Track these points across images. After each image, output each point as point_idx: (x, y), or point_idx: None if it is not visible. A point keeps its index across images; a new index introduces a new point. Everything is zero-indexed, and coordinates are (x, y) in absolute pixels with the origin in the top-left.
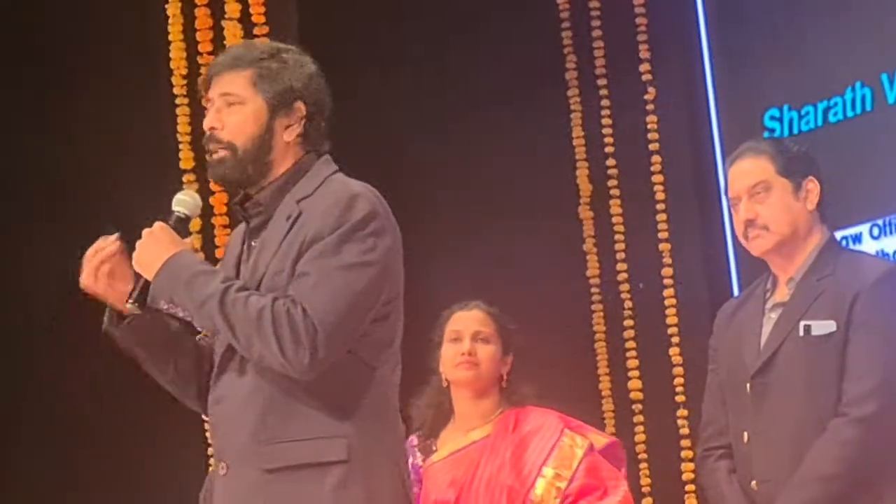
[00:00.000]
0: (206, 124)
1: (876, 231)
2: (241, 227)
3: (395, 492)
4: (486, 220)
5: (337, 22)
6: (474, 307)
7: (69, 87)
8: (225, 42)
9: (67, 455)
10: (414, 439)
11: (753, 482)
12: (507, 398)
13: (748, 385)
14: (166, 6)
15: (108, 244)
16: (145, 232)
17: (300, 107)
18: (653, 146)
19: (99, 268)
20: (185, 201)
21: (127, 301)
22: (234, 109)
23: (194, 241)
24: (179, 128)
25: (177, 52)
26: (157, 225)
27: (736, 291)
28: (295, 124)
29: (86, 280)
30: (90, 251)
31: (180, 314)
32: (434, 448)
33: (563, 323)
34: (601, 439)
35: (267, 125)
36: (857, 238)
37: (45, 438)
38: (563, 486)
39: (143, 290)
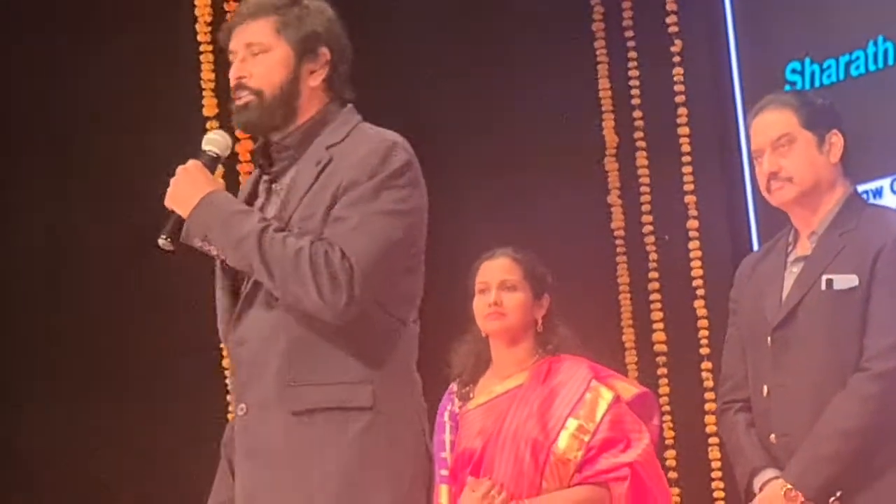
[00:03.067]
0: (233, 75)
1: None
2: (253, 177)
3: (416, 442)
4: (513, 172)
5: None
6: (500, 255)
7: (96, 36)
8: None
9: (89, 406)
10: (453, 386)
11: (772, 435)
12: (543, 344)
13: (769, 338)
14: None
15: None
16: (180, 169)
17: (325, 52)
18: (679, 98)
19: None
20: (215, 140)
21: (159, 237)
22: (259, 58)
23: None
24: (203, 76)
25: (201, 0)
26: (192, 162)
27: (756, 246)
28: (320, 69)
29: None
30: None
31: (213, 252)
32: (471, 396)
33: (587, 275)
34: (631, 389)
35: (294, 71)
36: (878, 192)
37: (65, 385)
38: (586, 438)
39: (176, 227)
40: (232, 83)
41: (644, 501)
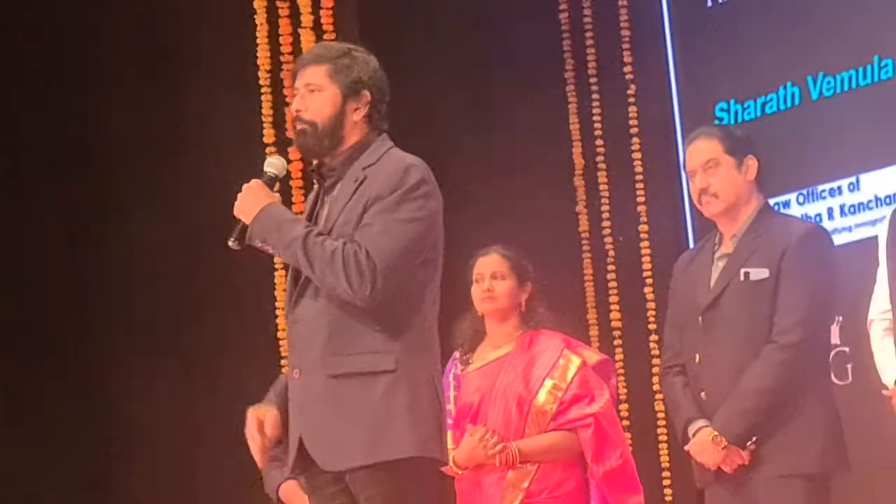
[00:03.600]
0: (294, 108)
1: (801, 199)
2: (315, 190)
3: (431, 398)
4: (503, 187)
5: (389, 26)
6: (492, 252)
7: (181, 82)
8: (301, 45)
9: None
10: (457, 354)
11: (703, 393)
12: (526, 321)
13: (700, 318)
14: (254, 17)
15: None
16: (245, 186)
17: (366, 94)
18: (633, 130)
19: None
20: (274, 164)
21: (228, 240)
22: (315, 96)
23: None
24: (263, 111)
25: (262, 53)
26: (254, 181)
27: (691, 245)
28: (362, 108)
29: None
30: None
31: (270, 251)
32: (470, 361)
33: (560, 267)
34: (594, 356)
35: (341, 108)
36: (787, 204)
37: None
38: (560, 394)
39: (241, 232)
40: (291, 114)
41: (604, 444)
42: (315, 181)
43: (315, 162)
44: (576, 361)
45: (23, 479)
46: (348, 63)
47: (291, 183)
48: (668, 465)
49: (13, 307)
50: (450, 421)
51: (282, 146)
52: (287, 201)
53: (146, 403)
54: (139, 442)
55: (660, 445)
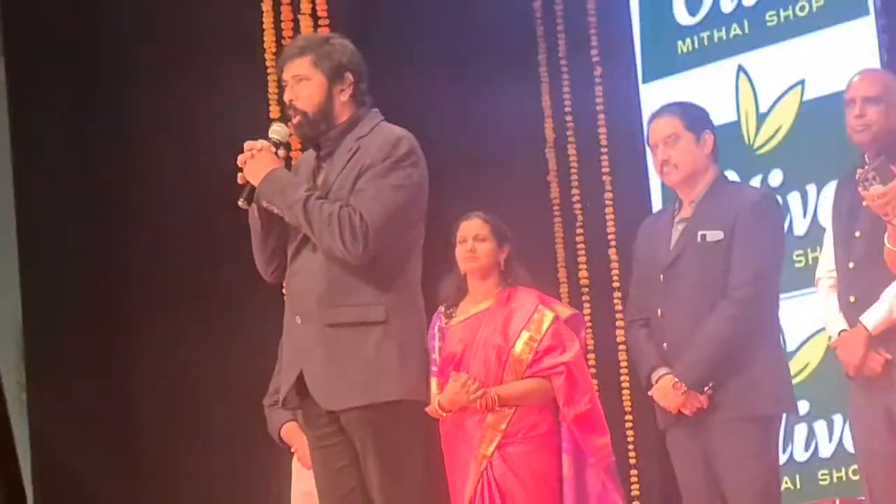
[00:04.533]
0: (286, 97)
1: None
2: (310, 153)
3: (417, 347)
4: (482, 156)
5: (377, 13)
6: (475, 217)
7: (194, 65)
8: (301, 30)
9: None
10: (441, 308)
11: (664, 344)
12: (505, 279)
13: (661, 276)
14: (262, 4)
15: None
16: (248, 144)
17: (349, 76)
18: (599, 108)
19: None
20: (277, 130)
21: (238, 200)
22: (303, 84)
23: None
24: (269, 89)
25: (269, 37)
26: (262, 143)
27: (653, 210)
28: (346, 88)
29: None
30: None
31: (275, 210)
32: (454, 314)
33: (534, 231)
34: (565, 311)
35: (328, 92)
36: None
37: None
38: (535, 345)
39: (250, 193)
40: (287, 103)
41: (574, 390)
42: (315, 149)
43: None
44: (549, 315)
45: (54, 424)
46: (328, 50)
47: (292, 154)
48: (630, 409)
49: (42, 258)
50: (435, 369)
51: (286, 119)
52: (288, 166)
53: (170, 347)
54: (164, 385)
55: (622, 392)
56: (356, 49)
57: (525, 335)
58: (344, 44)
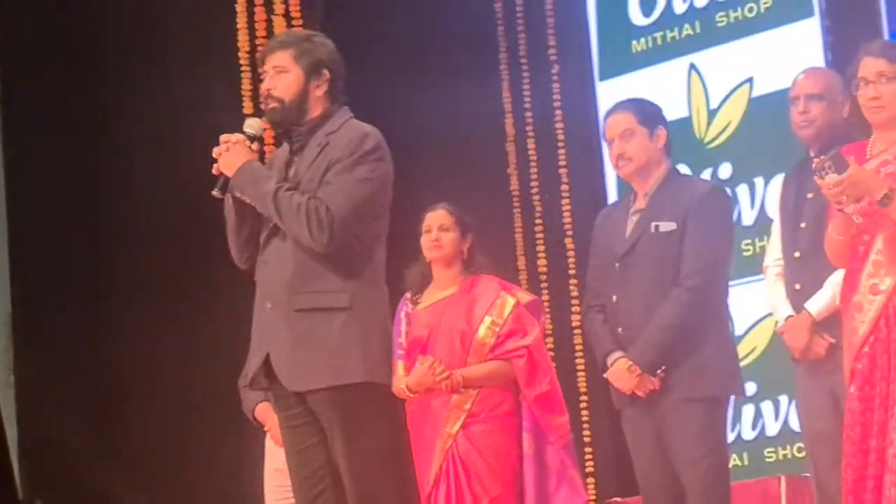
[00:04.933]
0: (264, 87)
1: None
2: (284, 149)
3: (380, 332)
4: (446, 150)
5: (346, 16)
6: (440, 207)
7: (173, 63)
8: (274, 29)
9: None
10: (408, 295)
11: (619, 329)
12: (468, 267)
13: (617, 264)
14: (235, 5)
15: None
16: (223, 137)
17: (326, 73)
18: (557, 104)
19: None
20: (252, 124)
21: (214, 190)
22: (282, 76)
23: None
24: (243, 86)
25: (242, 36)
26: (237, 136)
27: (609, 202)
28: (323, 84)
29: None
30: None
31: (247, 200)
32: (419, 301)
33: (495, 221)
34: (526, 297)
35: (304, 85)
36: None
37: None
38: (497, 329)
39: (224, 184)
40: (263, 92)
41: (535, 372)
42: (288, 143)
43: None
44: (511, 301)
45: (41, 410)
46: (310, 47)
47: (265, 148)
48: (585, 390)
49: (29, 248)
50: (402, 352)
51: (259, 115)
52: (262, 160)
53: (150, 332)
54: (144, 367)
55: (578, 373)
56: (336, 49)
57: (488, 320)
58: (325, 43)
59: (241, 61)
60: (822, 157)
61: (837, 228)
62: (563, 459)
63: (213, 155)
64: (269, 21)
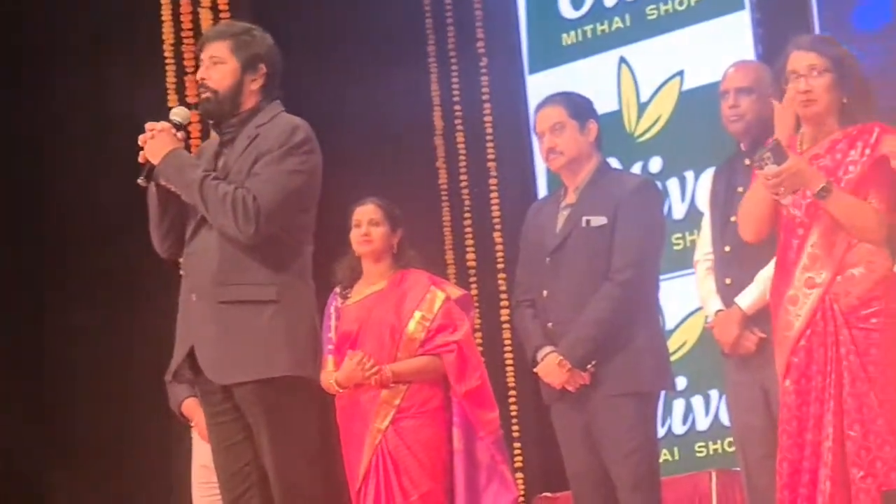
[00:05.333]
0: (199, 75)
1: None
2: (213, 140)
3: (307, 326)
4: (374, 144)
5: (274, 9)
6: (369, 202)
7: (98, 53)
8: (200, 23)
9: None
10: (337, 289)
11: (549, 324)
12: (398, 262)
13: (547, 259)
14: None
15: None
16: (149, 125)
17: (262, 67)
18: (485, 97)
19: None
20: (179, 113)
21: (139, 178)
22: (217, 67)
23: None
24: (167, 78)
25: (167, 29)
26: (163, 124)
27: (539, 196)
28: (258, 79)
29: None
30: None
31: (172, 188)
32: (349, 295)
33: (424, 215)
34: (456, 291)
35: (239, 78)
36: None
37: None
38: (427, 324)
39: (149, 172)
40: (197, 80)
41: (465, 367)
42: (218, 134)
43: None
44: (441, 296)
45: None
46: (248, 40)
47: (191, 142)
48: (513, 385)
49: None
50: (331, 347)
51: (187, 105)
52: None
53: (78, 324)
54: (73, 358)
55: (507, 368)
56: (275, 44)
57: (418, 315)
58: (265, 37)
59: (166, 54)
60: (762, 148)
61: (754, 195)
62: (494, 455)
63: (139, 142)
64: (195, 14)
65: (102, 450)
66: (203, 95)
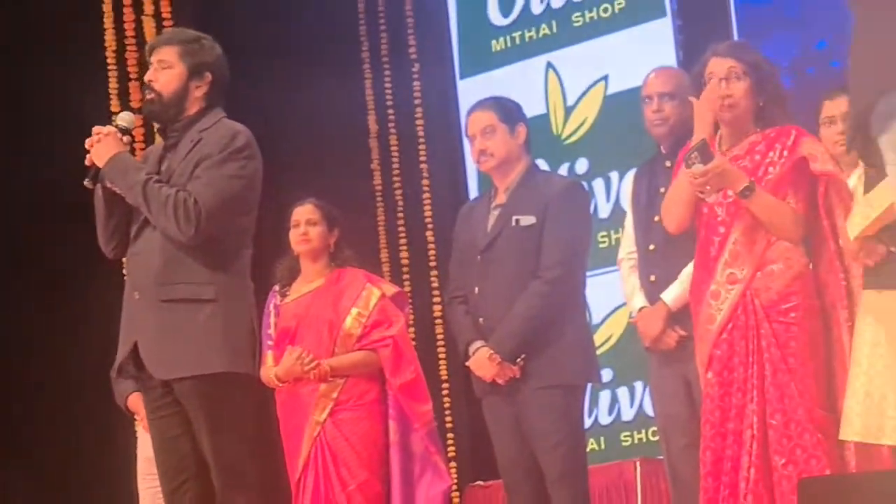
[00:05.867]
0: (146, 77)
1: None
2: (158, 144)
3: (245, 324)
4: (310, 147)
5: (216, 18)
6: (307, 203)
7: (38, 60)
8: (144, 31)
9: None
10: (276, 287)
11: (481, 319)
12: (335, 260)
13: (479, 257)
14: (102, 5)
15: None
16: (96, 128)
17: (208, 75)
18: (417, 101)
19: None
20: (124, 117)
21: (85, 180)
22: (165, 71)
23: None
24: (110, 84)
25: (109, 36)
26: (109, 129)
27: (470, 196)
28: (203, 86)
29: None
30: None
31: (117, 190)
32: (287, 293)
33: (358, 215)
34: (391, 289)
35: (185, 84)
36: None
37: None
38: (363, 320)
39: (95, 174)
40: (145, 81)
41: (400, 361)
42: (163, 138)
43: (160, 126)
44: (376, 293)
45: None
46: (196, 48)
47: (135, 146)
48: (446, 378)
49: None
50: (270, 343)
51: (131, 111)
52: (133, 153)
53: (23, 324)
54: (18, 357)
55: (440, 362)
56: (223, 54)
57: (354, 311)
58: (214, 47)
59: (109, 60)
60: (690, 147)
61: (678, 189)
62: (427, 446)
63: (86, 146)
64: (138, 21)
65: (48, 444)
66: (148, 97)
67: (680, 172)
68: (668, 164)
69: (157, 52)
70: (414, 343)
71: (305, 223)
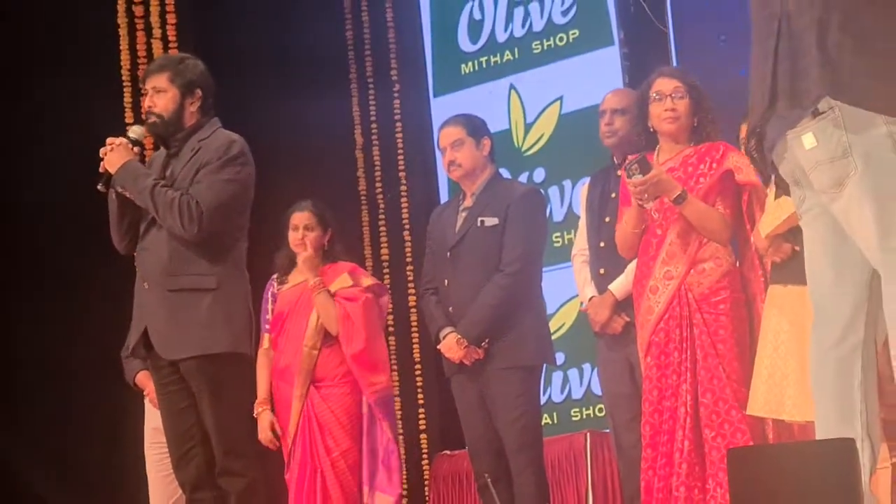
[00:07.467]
0: (145, 105)
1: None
2: (162, 151)
3: (243, 309)
4: (303, 155)
5: (217, 41)
6: (304, 207)
7: (61, 76)
8: (153, 50)
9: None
10: (274, 277)
11: (450, 308)
12: (328, 256)
13: (448, 253)
14: (118, 30)
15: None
16: (110, 139)
17: (198, 91)
18: (397, 117)
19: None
20: (135, 130)
21: (97, 186)
22: (160, 95)
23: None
24: (125, 99)
25: (124, 56)
26: (121, 140)
27: (442, 200)
28: (196, 101)
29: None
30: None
31: (127, 194)
32: (285, 282)
33: (345, 216)
34: (369, 281)
35: (180, 103)
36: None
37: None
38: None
39: (107, 180)
40: (144, 108)
41: (351, 331)
42: (166, 148)
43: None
44: (348, 280)
45: None
46: (183, 69)
47: (146, 153)
48: (419, 359)
49: None
50: (267, 326)
51: (141, 122)
52: (143, 161)
53: (42, 315)
54: (38, 344)
55: (413, 345)
56: (206, 69)
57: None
58: (197, 64)
59: (124, 78)
60: (629, 159)
61: (633, 222)
62: (375, 412)
63: (100, 154)
64: (148, 44)
65: (63, 420)
66: (150, 120)
67: (624, 215)
68: (618, 172)
69: (150, 80)
70: (391, 328)
71: (303, 228)
